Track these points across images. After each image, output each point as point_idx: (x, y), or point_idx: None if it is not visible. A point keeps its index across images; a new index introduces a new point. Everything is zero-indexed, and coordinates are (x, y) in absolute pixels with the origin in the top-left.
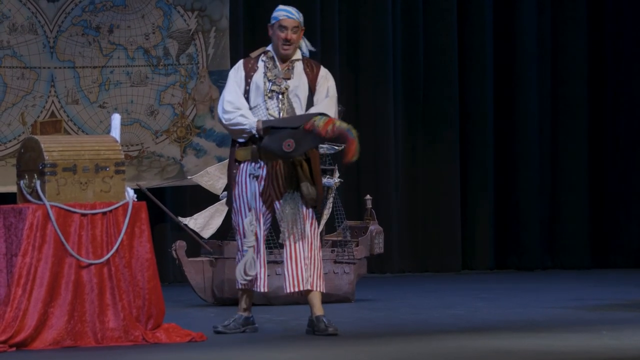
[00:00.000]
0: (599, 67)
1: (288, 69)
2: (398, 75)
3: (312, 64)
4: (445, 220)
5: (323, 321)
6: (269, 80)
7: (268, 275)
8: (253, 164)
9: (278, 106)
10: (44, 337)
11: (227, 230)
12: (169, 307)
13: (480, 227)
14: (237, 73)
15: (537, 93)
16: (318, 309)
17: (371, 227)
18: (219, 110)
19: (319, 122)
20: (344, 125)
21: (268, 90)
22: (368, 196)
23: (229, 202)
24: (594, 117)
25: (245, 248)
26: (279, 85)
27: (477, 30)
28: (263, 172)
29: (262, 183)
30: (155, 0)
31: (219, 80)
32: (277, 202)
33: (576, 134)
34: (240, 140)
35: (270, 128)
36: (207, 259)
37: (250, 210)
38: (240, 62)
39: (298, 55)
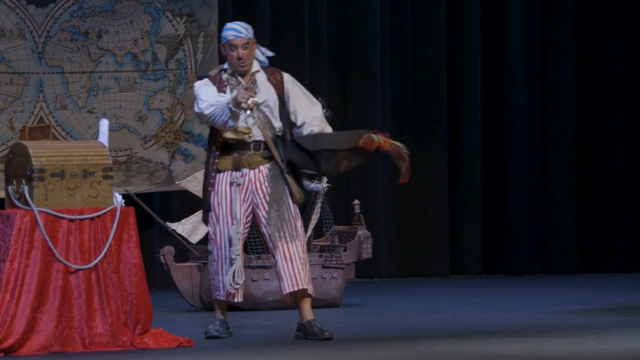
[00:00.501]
0: (587, 70)
1: (252, 83)
2: (386, 80)
3: (273, 71)
4: (433, 225)
5: (316, 325)
6: None
7: (255, 281)
8: (234, 172)
9: (246, 121)
10: (32, 343)
11: None
12: (156, 313)
13: (468, 231)
14: (207, 83)
15: (525, 99)
16: (309, 314)
17: (359, 232)
18: (195, 108)
19: (377, 139)
20: (399, 144)
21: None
22: (356, 201)
23: (206, 213)
24: (582, 121)
25: (234, 257)
26: (246, 101)
27: (466, 34)
28: (245, 180)
29: (243, 191)
30: (143, 6)
31: None
32: (258, 208)
33: (564, 139)
34: (231, 124)
35: (324, 151)
36: (195, 264)
37: (233, 218)
38: (206, 80)
39: (256, 66)
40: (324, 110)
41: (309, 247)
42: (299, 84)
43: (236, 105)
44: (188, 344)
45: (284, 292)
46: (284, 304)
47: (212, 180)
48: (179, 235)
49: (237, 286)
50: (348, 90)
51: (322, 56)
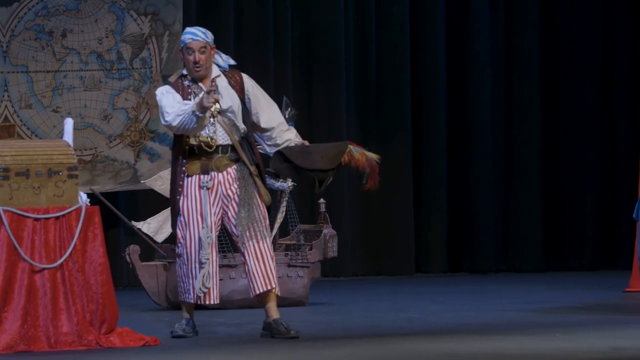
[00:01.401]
0: (552, 67)
1: (214, 90)
2: (351, 79)
3: (233, 73)
4: (398, 223)
5: (282, 324)
6: None
7: (221, 279)
8: (203, 176)
9: (207, 129)
10: None
11: None
12: (122, 312)
13: (433, 230)
14: (170, 91)
15: (491, 96)
16: (275, 312)
17: (325, 231)
18: (162, 122)
19: (356, 155)
20: (373, 155)
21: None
22: (321, 200)
23: (175, 217)
24: (547, 120)
25: (204, 260)
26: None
27: (430, 32)
28: (214, 183)
29: (212, 194)
30: (108, 5)
31: None
32: (228, 208)
33: (530, 137)
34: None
35: (316, 170)
36: (161, 263)
37: (204, 221)
38: (167, 87)
39: (216, 71)
40: (289, 109)
41: (275, 246)
42: (257, 85)
43: (202, 110)
44: (154, 343)
45: (256, 292)
46: (250, 302)
47: (180, 184)
48: (145, 234)
49: (205, 290)
50: (313, 90)
51: (287, 56)
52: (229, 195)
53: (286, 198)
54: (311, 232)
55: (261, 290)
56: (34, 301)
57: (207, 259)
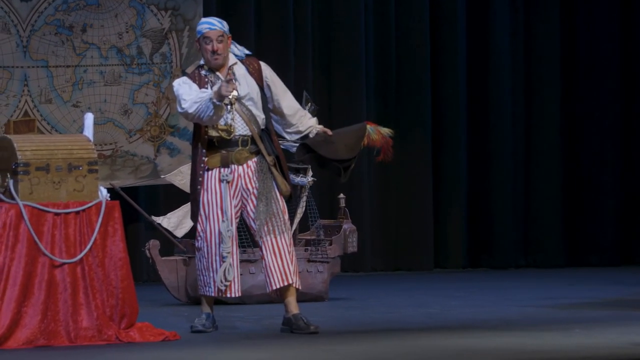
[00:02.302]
0: (572, 65)
1: (230, 78)
2: (370, 74)
3: (251, 61)
4: (418, 218)
5: (302, 319)
6: None
7: (241, 274)
8: (223, 169)
9: (225, 118)
10: (18, 337)
11: None
12: (142, 306)
13: (453, 225)
14: (187, 82)
15: (511, 93)
16: (295, 307)
17: (344, 226)
18: (179, 109)
19: (373, 135)
20: (387, 130)
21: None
22: (341, 195)
23: (195, 210)
24: (566, 117)
25: (225, 254)
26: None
27: (450, 28)
28: (234, 176)
29: (232, 187)
30: (128, 0)
31: None
32: (247, 202)
33: (550, 132)
34: (217, 118)
35: (341, 160)
36: (181, 258)
37: (224, 215)
38: (185, 78)
39: (233, 59)
40: (310, 104)
41: (295, 241)
42: (274, 74)
43: (219, 98)
44: (174, 337)
45: (273, 287)
46: (269, 297)
47: (200, 178)
48: (164, 229)
49: (227, 283)
50: (333, 86)
51: (307, 50)
52: (248, 189)
53: (306, 193)
54: (331, 228)
55: (278, 286)
56: (54, 296)
57: (228, 252)
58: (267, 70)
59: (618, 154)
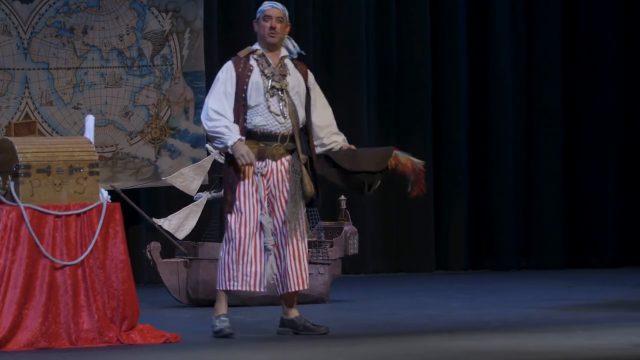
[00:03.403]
0: (573, 66)
1: (281, 66)
2: (371, 75)
3: (299, 63)
4: (419, 220)
5: (309, 321)
6: (268, 78)
7: None
8: (259, 162)
9: (279, 103)
10: (19, 339)
11: (201, 232)
12: (143, 308)
13: (454, 227)
14: (227, 75)
15: (512, 93)
16: (296, 309)
17: (345, 228)
18: (203, 116)
19: (403, 159)
20: (419, 161)
21: (269, 88)
22: (342, 197)
23: (231, 199)
24: (568, 117)
25: (269, 247)
26: (279, 82)
27: (451, 28)
28: (267, 171)
29: (265, 181)
30: (129, 2)
31: (194, 81)
32: (275, 200)
33: (550, 134)
34: (218, 145)
35: (364, 172)
36: (182, 260)
37: (262, 207)
38: (230, 64)
39: (285, 52)
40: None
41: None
42: (319, 88)
43: (234, 152)
44: (175, 339)
45: (291, 290)
46: (272, 300)
47: (237, 167)
48: (165, 231)
49: (275, 275)
50: (334, 87)
51: (308, 52)
52: (278, 187)
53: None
54: (332, 229)
55: (295, 289)
56: (55, 298)
57: (273, 244)
58: (311, 77)
59: (620, 155)
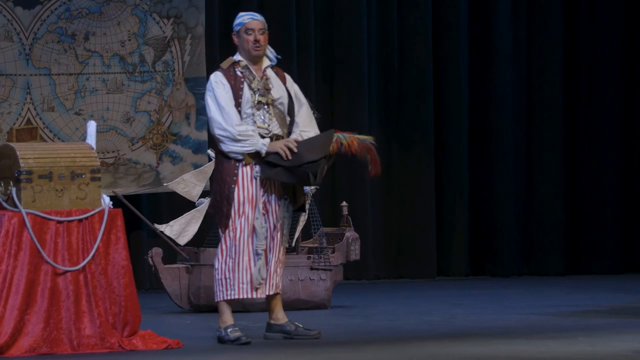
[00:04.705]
0: (574, 71)
1: (266, 78)
2: (373, 83)
3: (277, 69)
4: (420, 226)
5: (300, 325)
6: (255, 92)
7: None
8: (256, 166)
9: (265, 117)
10: (20, 345)
11: (203, 237)
12: (145, 314)
13: (455, 233)
14: (223, 88)
15: (512, 101)
16: (285, 315)
17: (347, 234)
18: (225, 124)
19: (344, 141)
20: (367, 137)
21: (256, 102)
22: (344, 203)
23: (227, 206)
24: (568, 123)
25: (260, 251)
26: (264, 97)
27: (453, 36)
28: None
29: (261, 187)
30: (131, 8)
31: (195, 87)
32: (269, 204)
33: (551, 141)
34: (247, 148)
35: (306, 164)
36: (184, 265)
37: (257, 212)
38: (221, 76)
39: (266, 62)
40: (312, 112)
41: (297, 249)
42: (296, 86)
43: (271, 149)
44: (176, 345)
45: (270, 293)
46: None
47: (235, 177)
48: (167, 236)
49: (262, 280)
50: (335, 94)
51: (310, 59)
52: (273, 191)
53: (309, 201)
54: (334, 235)
55: (272, 292)
56: (57, 304)
57: (263, 249)
58: (290, 81)
59: (620, 161)
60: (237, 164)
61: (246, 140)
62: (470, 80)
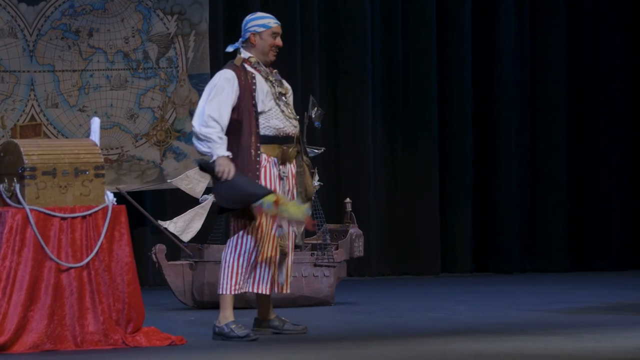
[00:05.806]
0: (578, 70)
1: (275, 73)
2: (377, 80)
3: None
4: (424, 223)
5: (287, 320)
6: (273, 84)
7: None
8: (282, 166)
9: (287, 107)
10: (24, 341)
11: (206, 234)
12: (148, 311)
13: (459, 230)
14: (229, 84)
15: (516, 97)
16: (272, 310)
17: (351, 230)
18: (197, 120)
19: (269, 212)
20: (298, 212)
21: (278, 94)
22: (348, 199)
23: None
24: (573, 120)
25: (286, 251)
26: (281, 88)
27: (457, 34)
28: (288, 174)
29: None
30: (134, 4)
31: (199, 83)
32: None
33: (555, 138)
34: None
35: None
36: (187, 262)
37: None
38: (231, 73)
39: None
40: (316, 108)
41: (301, 246)
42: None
43: (218, 166)
44: (180, 342)
45: (286, 291)
46: (275, 302)
47: (258, 169)
48: (171, 233)
49: (287, 278)
50: (339, 91)
51: (314, 56)
52: (291, 189)
53: (312, 197)
54: (337, 232)
55: (287, 291)
56: (61, 300)
57: (288, 249)
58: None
59: (624, 158)
60: (258, 160)
61: (207, 142)
62: (474, 80)
